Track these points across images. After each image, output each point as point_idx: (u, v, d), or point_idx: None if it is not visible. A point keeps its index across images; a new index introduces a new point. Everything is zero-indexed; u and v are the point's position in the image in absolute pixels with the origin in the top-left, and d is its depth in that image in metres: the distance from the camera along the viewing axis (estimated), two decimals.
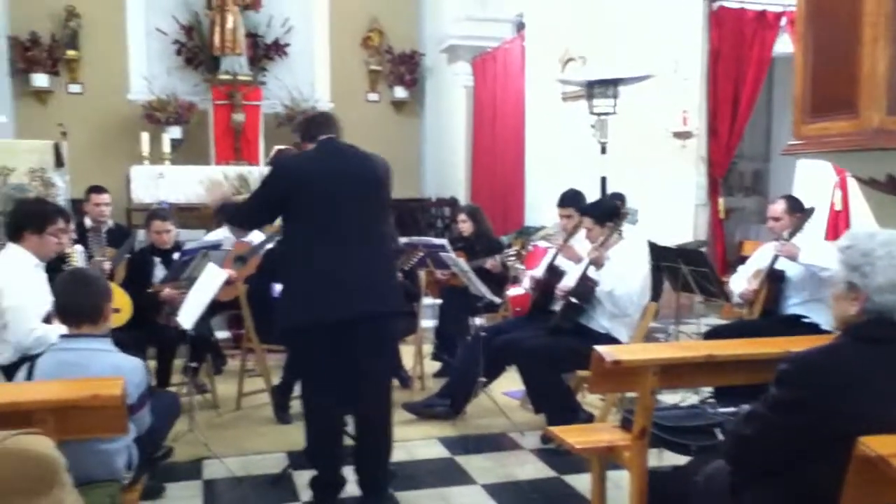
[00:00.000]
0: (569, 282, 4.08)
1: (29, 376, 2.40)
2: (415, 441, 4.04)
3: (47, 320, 3.28)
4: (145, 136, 8.69)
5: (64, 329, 2.70)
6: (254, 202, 3.29)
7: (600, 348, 2.61)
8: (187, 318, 3.64)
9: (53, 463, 1.35)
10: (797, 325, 3.94)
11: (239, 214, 3.43)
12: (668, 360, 2.62)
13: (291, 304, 3.15)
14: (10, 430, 1.34)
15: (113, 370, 2.34)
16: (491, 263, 5.19)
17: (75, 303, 2.50)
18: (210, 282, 3.73)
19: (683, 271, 4.19)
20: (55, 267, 3.80)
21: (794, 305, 4.09)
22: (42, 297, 3.30)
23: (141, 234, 5.30)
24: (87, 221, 5.43)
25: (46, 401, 2.08)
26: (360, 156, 3.22)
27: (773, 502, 1.86)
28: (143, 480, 2.65)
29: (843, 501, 1.72)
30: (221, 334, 5.91)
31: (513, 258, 5.19)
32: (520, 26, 9.24)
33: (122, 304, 3.99)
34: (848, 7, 3.99)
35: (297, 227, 3.15)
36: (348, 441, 3.34)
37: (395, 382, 5.06)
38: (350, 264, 3.07)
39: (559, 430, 2.98)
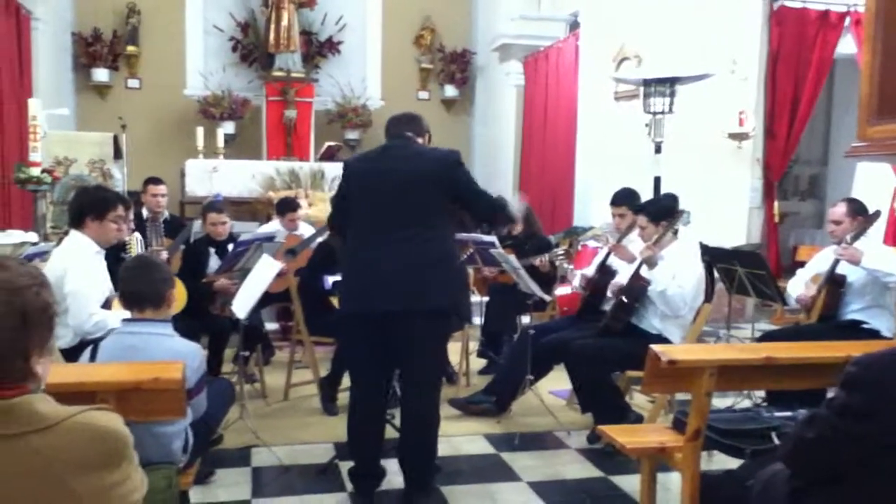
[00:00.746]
0: (620, 281, 4.03)
1: (93, 358, 2.47)
2: (459, 437, 4.04)
3: (106, 306, 3.38)
4: (200, 131, 8.88)
5: (124, 314, 2.78)
6: (332, 206, 3.44)
7: (656, 347, 2.58)
8: (241, 307, 3.70)
9: (123, 438, 1.39)
10: (857, 331, 3.83)
11: (331, 221, 3.57)
12: (726, 362, 2.57)
13: (341, 296, 3.28)
14: (81, 406, 1.37)
15: (173, 354, 2.39)
16: (539, 262, 5.16)
17: (140, 288, 2.57)
18: (264, 272, 3.78)
19: (739, 273, 4.10)
20: (114, 255, 3.91)
21: (853, 311, 3.97)
22: (102, 283, 3.40)
23: (196, 226, 5.41)
24: (145, 212, 5.56)
25: (110, 382, 2.13)
26: (419, 155, 3.21)
27: None
28: (197, 464, 2.71)
29: None
30: (270, 326, 6.00)
31: (561, 257, 5.15)
32: (573, 25, 9.18)
33: (177, 293, 4.08)
34: None
35: (351, 222, 3.23)
36: (392, 433, 3.37)
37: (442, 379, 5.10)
38: (389, 261, 3.09)
39: (609, 430, 2.95)
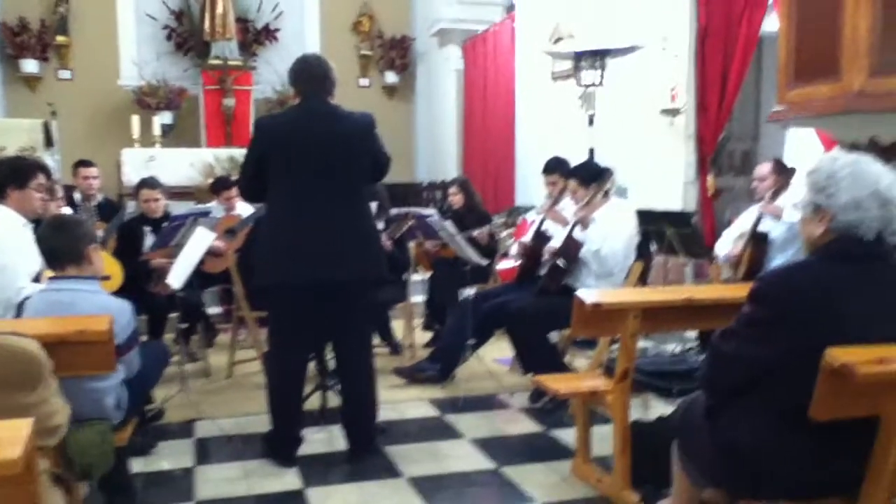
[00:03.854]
0: (555, 244, 4.13)
1: (18, 315, 2.43)
2: (405, 402, 4.10)
3: (37, 280, 3.31)
4: (136, 120, 8.71)
5: None
6: (243, 168, 3.36)
7: (581, 292, 2.67)
8: (177, 278, 3.67)
9: (39, 361, 1.40)
10: None
11: (239, 184, 3.52)
12: (649, 303, 2.67)
13: (261, 265, 3.20)
14: None
15: (101, 310, 2.37)
16: (478, 233, 5.22)
17: (57, 245, 2.54)
18: (199, 243, 3.76)
19: (668, 233, 4.24)
20: None
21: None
22: (31, 255, 3.31)
23: (131, 206, 5.33)
24: (77, 196, 5.45)
25: (35, 336, 2.10)
26: (338, 116, 3.19)
27: (747, 420, 1.90)
28: (132, 423, 2.70)
29: (812, 413, 1.76)
30: (213, 310, 5.94)
31: (500, 228, 5.23)
32: (509, 8, 9.28)
33: (112, 272, 4.02)
34: None
35: (272, 188, 3.17)
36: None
37: (386, 350, 5.14)
38: (318, 229, 3.10)
39: (545, 378, 3.04)
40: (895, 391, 1.75)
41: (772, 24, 7.45)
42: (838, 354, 1.69)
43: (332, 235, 3.11)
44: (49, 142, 6.55)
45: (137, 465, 3.15)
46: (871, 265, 1.82)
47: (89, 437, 2.21)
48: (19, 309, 2.48)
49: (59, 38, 9.78)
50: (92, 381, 2.34)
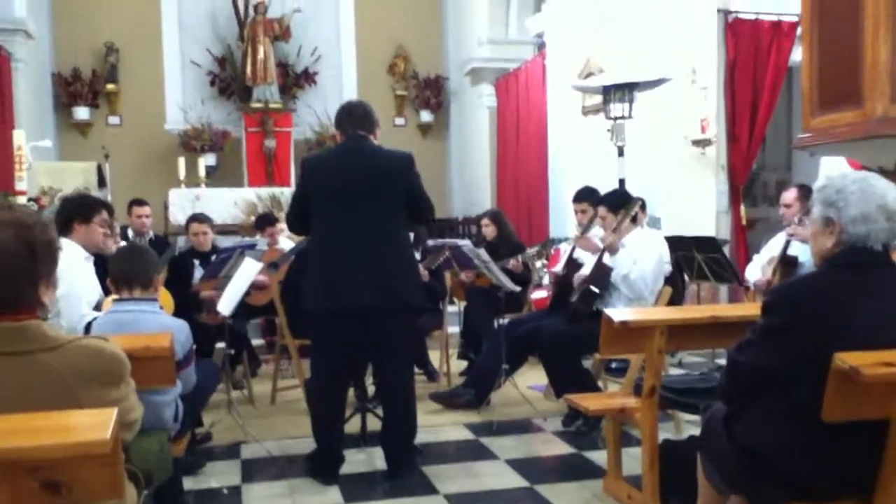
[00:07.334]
0: (586, 271, 4.25)
1: (87, 334, 2.64)
2: (441, 426, 4.22)
3: (97, 308, 3.54)
4: (181, 161, 9.09)
5: None
6: (291, 204, 3.63)
7: (609, 311, 2.79)
8: (226, 305, 3.88)
9: (123, 361, 1.60)
10: None
11: (287, 219, 3.73)
12: (675, 321, 2.79)
13: (306, 292, 3.43)
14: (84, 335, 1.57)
15: (162, 328, 2.57)
16: (513, 263, 5.35)
17: (131, 268, 2.76)
18: (247, 271, 3.97)
19: (698, 258, 4.34)
20: (103, 266, 4.07)
21: None
22: (93, 286, 3.55)
23: (180, 242, 5.60)
24: (130, 233, 5.74)
25: None
26: (378, 154, 3.41)
27: (763, 424, 2.00)
28: (187, 436, 2.87)
29: (823, 415, 1.86)
30: (256, 342, 6.15)
31: (534, 256, 5.36)
32: (540, 46, 9.54)
33: (164, 302, 4.25)
34: (849, 1, 4.17)
35: (316, 221, 3.42)
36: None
37: (423, 376, 5.28)
38: (357, 259, 3.29)
39: (575, 396, 3.15)
40: None
41: (800, 54, 7.58)
42: (846, 357, 1.79)
43: (369, 265, 3.30)
44: (102, 182, 6.90)
45: (187, 484, 3.31)
46: (877, 272, 1.93)
47: (149, 445, 2.39)
48: (87, 330, 2.69)
49: (109, 87, 10.31)
50: (153, 395, 2.52)
